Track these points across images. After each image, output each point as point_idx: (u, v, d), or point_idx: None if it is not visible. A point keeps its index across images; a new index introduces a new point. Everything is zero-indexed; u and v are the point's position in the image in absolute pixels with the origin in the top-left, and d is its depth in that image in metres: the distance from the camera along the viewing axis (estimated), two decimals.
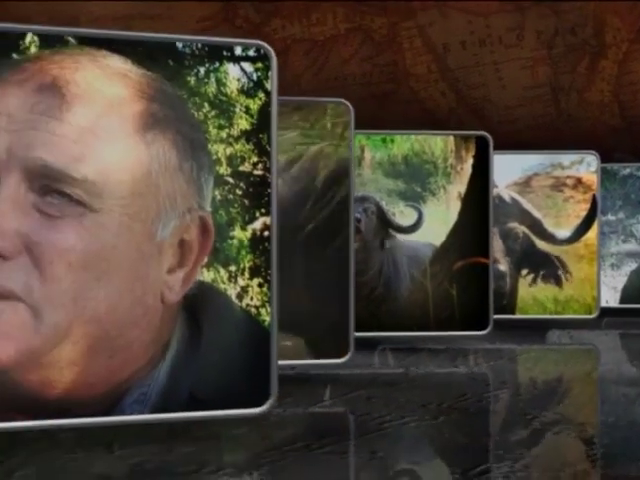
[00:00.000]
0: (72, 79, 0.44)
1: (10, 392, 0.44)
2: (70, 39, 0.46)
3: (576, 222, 0.98)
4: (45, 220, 0.43)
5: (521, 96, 1.41)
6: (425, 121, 1.36)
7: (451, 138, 0.86)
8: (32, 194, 0.43)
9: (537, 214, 0.98)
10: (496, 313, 0.84)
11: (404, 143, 0.87)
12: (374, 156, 0.86)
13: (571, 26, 1.39)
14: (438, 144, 0.86)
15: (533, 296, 0.97)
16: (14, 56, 0.46)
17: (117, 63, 0.46)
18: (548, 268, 0.97)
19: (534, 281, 0.97)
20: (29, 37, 0.46)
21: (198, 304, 0.48)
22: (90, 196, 0.44)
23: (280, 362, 0.50)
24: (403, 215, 0.86)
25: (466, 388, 0.64)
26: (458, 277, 0.84)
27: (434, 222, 0.87)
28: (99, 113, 0.44)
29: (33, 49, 0.46)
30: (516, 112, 1.41)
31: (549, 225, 0.98)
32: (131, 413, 0.47)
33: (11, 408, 0.44)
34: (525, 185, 0.99)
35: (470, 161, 0.86)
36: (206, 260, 0.48)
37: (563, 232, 0.98)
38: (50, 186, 0.43)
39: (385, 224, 0.85)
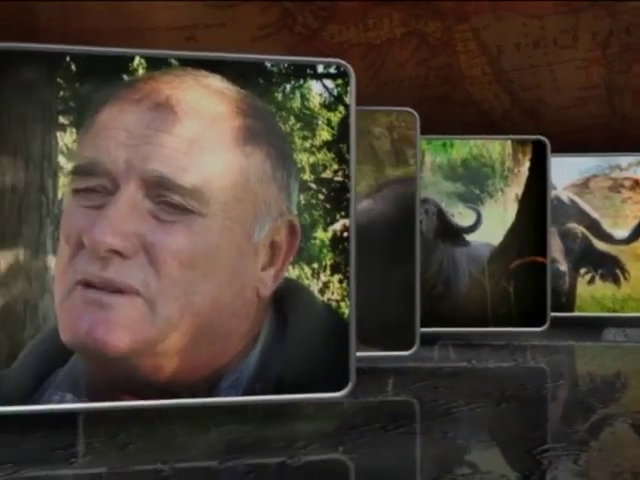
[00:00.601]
0: (182, 97, 0.50)
1: (127, 376, 0.50)
2: (173, 61, 0.53)
3: (634, 223, 1.02)
4: (159, 224, 0.49)
5: (575, 97, 1.44)
6: (480, 123, 1.41)
7: (509, 142, 0.91)
8: (148, 201, 0.49)
9: (595, 215, 1.02)
10: (555, 311, 0.89)
11: (463, 147, 0.92)
12: (434, 160, 0.91)
13: (626, 26, 1.42)
14: (496, 148, 0.91)
15: (591, 294, 1.01)
16: (124, 77, 0.52)
17: (216, 82, 0.52)
18: (606, 267, 1.01)
19: (592, 280, 1.01)
20: (137, 60, 0.52)
21: (285, 298, 0.54)
22: (198, 203, 0.50)
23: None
24: (462, 216, 0.91)
25: (525, 380, 0.69)
26: (516, 275, 0.88)
27: (492, 223, 0.91)
28: (205, 128, 0.50)
29: (141, 70, 0.52)
30: (570, 113, 1.44)
31: (607, 225, 1.02)
32: (226, 396, 0.53)
33: (127, 390, 0.50)
34: (583, 187, 1.03)
35: (527, 164, 0.90)
36: (293, 259, 0.54)
37: (621, 232, 1.01)
38: (164, 194, 0.49)
39: (445, 225, 0.90)
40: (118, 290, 0.49)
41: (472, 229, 0.91)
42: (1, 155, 0.51)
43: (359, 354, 0.68)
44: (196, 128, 0.50)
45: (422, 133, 0.74)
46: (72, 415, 0.55)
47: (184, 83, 0.51)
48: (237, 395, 0.53)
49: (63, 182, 0.51)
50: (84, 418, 0.55)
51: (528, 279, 0.89)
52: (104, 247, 0.49)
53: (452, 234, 0.90)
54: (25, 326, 0.51)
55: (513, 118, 1.42)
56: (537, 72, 1.44)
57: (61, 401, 0.51)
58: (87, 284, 0.49)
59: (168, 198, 0.49)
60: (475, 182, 0.91)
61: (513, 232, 0.90)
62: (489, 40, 1.42)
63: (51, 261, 0.51)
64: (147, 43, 1.31)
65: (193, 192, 0.50)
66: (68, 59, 0.52)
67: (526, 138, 0.91)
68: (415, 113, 0.72)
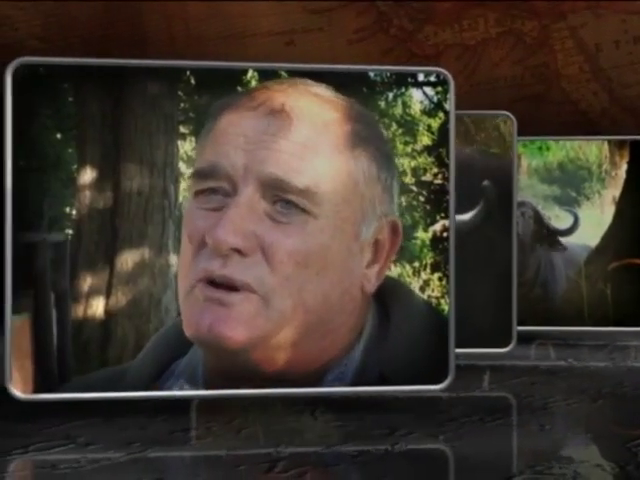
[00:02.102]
0: (295, 105, 0.55)
1: (242, 367, 0.55)
2: (283, 73, 0.57)
3: None
4: (275, 225, 0.54)
5: None
6: (577, 122, 1.41)
7: (605, 144, 0.92)
8: (265, 203, 0.54)
9: None
10: None
11: (559, 150, 0.93)
12: (530, 163, 0.93)
13: None
14: (593, 150, 0.92)
15: None
16: (239, 88, 0.57)
17: (325, 90, 0.56)
18: None
19: None
20: (250, 72, 0.57)
21: (387, 295, 0.57)
22: (312, 204, 0.54)
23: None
24: (559, 219, 0.92)
25: (624, 378, 0.71)
26: (613, 277, 0.90)
27: (589, 225, 0.93)
28: (317, 133, 0.55)
29: (253, 82, 0.57)
30: None
31: None
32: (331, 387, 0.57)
33: (241, 380, 0.55)
34: None
35: (625, 166, 0.91)
36: (395, 257, 0.57)
37: None
38: (280, 196, 0.54)
39: (542, 227, 0.92)
40: (236, 287, 0.53)
41: (569, 232, 0.92)
42: (128, 163, 0.56)
43: (457, 350, 0.71)
44: (309, 133, 0.54)
45: (518, 134, 0.77)
46: (189, 402, 0.60)
47: (296, 91, 0.55)
48: (343, 386, 0.57)
49: (183, 187, 0.56)
50: (201, 405, 0.60)
51: (625, 281, 0.90)
52: (226, 246, 0.53)
53: (549, 237, 0.92)
54: (150, 319, 0.57)
55: (612, 116, 1.41)
56: (637, 69, 1.43)
57: (181, 389, 0.56)
58: (208, 281, 0.54)
59: (284, 200, 0.54)
60: (572, 185, 0.92)
61: (610, 234, 0.91)
62: (587, 38, 1.42)
63: (173, 259, 0.57)
64: (248, 48, 1.36)
65: (307, 194, 0.54)
66: (188, 73, 0.57)
67: (624, 139, 0.92)
68: (512, 117, 0.75)
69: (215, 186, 0.54)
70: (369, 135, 0.56)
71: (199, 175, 0.55)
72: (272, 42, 1.37)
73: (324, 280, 0.54)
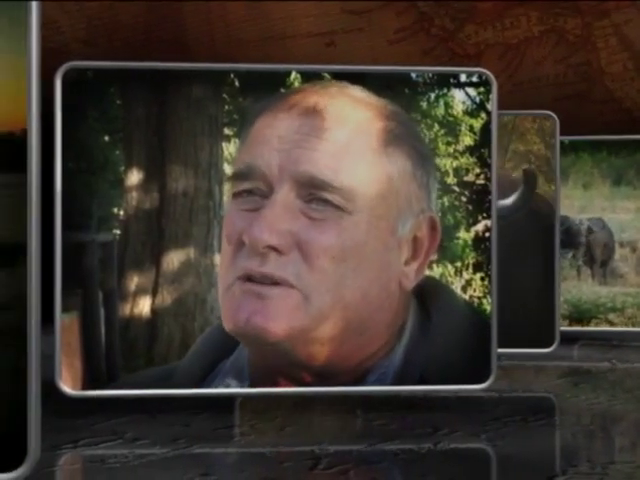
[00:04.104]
0: (328, 104, 0.56)
1: (284, 362, 0.56)
2: (326, 75, 0.58)
3: None
4: (311, 222, 0.55)
5: None
6: (621, 121, 1.39)
7: None
8: (300, 201, 0.55)
9: None
10: None
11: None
12: None
13: None
14: None
15: None
16: (281, 90, 0.58)
17: (357, 92, 0.57)
18: None
19: None
20: (293, 74, 0.58)
21: (428, 294, 0.58)
22: (346, 201, 0.55)
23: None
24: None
25: None
26: None
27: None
28: (350, 131, 0.55)
29: (296, 84, 0.58)
30: None
31: None
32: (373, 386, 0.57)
33: (284, 376, 0.56)
34: None
35: None
36: (435, 255, 0.58)
37: None
38: (314, 194, 0.55)
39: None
40: (275, 283, 0.55)
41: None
42: (174, 164, 0.58)
43: (500, 350, 0.71)
44: (342, 131, 0.55)
45: (561, 132, 0.77)
46: (232, 400, 0.61)
47: (330, 92, 0.56)
48: (385, 386, 0.58)
49: (227, 187, 0.58)
50: (244, 403, 0.61)
51: None
52: (262, 244, 0.54)
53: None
54: (195, 317, 0.58)
55: None
56: None
57: (227, 387, 0.57)
58: (247, 278, 0.55)
59: (318, 197, 0.55)
60: None
61: None
62: (631, 35, 1.41)
63: (217, 259, 0.58)
64: (288, 50, 1.37)
65: (341, 191, 0.55)
66: (232, 76, 0.58)
67: None
68: (555, 116, 0.75)
69: (251, 187, 0.55)
70: (403, 133, 0.57)
71: (236, 177, 0.56)
72: (312, 43, 1.38)
73: (361, 276, 0.55)
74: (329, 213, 0.55)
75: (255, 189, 0.55)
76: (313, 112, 0.56)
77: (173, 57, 1.24)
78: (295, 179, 0.55)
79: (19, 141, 0.39)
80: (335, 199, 0.55)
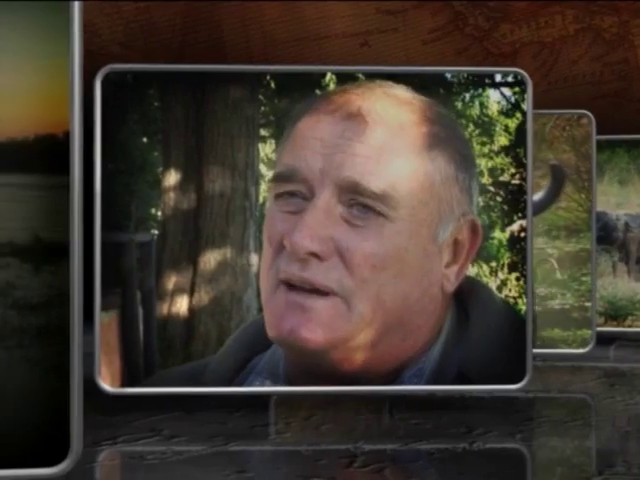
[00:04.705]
0: (372, 108, 0.56)
1: (322, 366, 0.56)
2: (360, 75, 0.58)
3: None
4: (352, 229, 0.55)
5: None
6: None
7: None
8: (341, 207, 0.55)
9: None
10: None
11: None
12: None
13: None
14: None
15: None
16: (317, 91, 0.58)
17: (402, 92, 0.57)
18: None
19: None
20: (328, 76, 0.58)
21: (466, 295, 0.58)
22: (388, 207, 0.55)
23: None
24: None
25: None
26: None
27: None
28: (393, 135, 0.55)
29: (332, 85, 0.58)
30: None
31: None
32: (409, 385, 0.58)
33: (320, 378, 0.56)
34: None
35: None
36: (475, 256, 0.58)
37: None
38: (356, 200, 0.55)
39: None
40: (316, 290, 0.55)
41: None
42: (211, 165, 0.58)
43: (535, 351, 0.71)
44: (385, 136, 0.55)
45: (598, 132, 0.76)
46: (268, 398, 0.61)
47: (373, 94, 0.56)
48: (420, 384, 0.58)
49: (264, 188, 0.58)
50: (280, 401, 0.61)
51: None
52: (303, 250, 0.54)
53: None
54: (231, 316, 0.58)
55: None
56: None
57: (262, 385, 0.57)
58: (289, 284, 0.55)
59: (360, 203, 0.55)
60: None
61: None
62: None
63: (253, 259, 0.58)
64: (323, 50, 1.37)
65: (383, 197, 0.55)
66: (268, 77, 0.58)
67: None
68: (591, 115, 0.74)
69: (293, 189, 0.55)
70: (447, 136, 0.57)
71: (278, 178, 0.56)
72: (346, 43, 1.39)
73: (402, 282, 0.55)
74: (371, 220, 0.55)
75: (297, 191, 0.55)
76: (357, 116, 0.55)
77: (209, 58, 1.25)
78: (337, 184, 0.55)
79: (62, 143, 0.40)
80: (377, 206, 0.55)
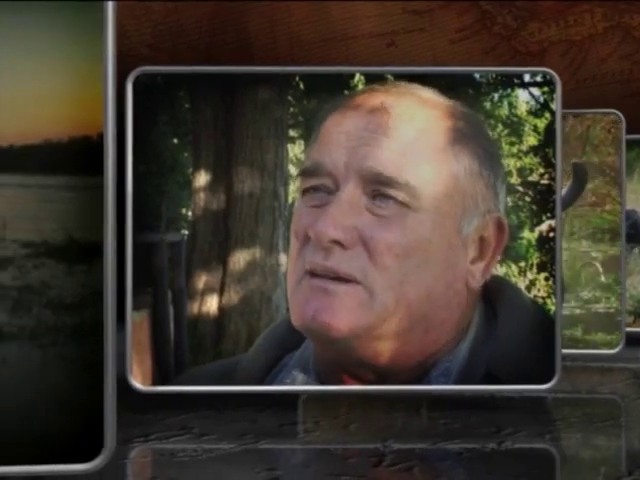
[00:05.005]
0: (395, 103, 0.56)
1: (349, 358, 0.56)
2: (389, 76, 0.59)
3: None
4: (376, 219, 0.55)
5: None
6: None
7: None
8: (365, 198, 0.56)
9: None
10: None
11: None
12: None
13: None
14: None
15: None
16: (345, 92, 0.58)
17: (427, 91, 0.57)
18: None
19: None
20: (357, 76, 0.59)
21: (494, 293, 0.58)
22: (411, 198, 0.55)
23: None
24: None
25: None
26: None
27: None
28: (417, 130, 0.56)
29: (360, 86, 0.59)
30: None
31: None
32: (437, 384, 0.58)
33: (349, 372, 0.57)
34: None
35: None
36: (501, 254, 0.58)
37: None
38: (379, 191, 0.56)
39: None
40: (339, 278, 0.56)
41: None
42: (240, 166, 0.59)
43: (565, 351, 0.71)
44: (408, 130, 0.56)
45: (627, 131, 0.76)
46: (297, 397, 0.62)
47: (397, 91, 0.57)
48: (447, 383, 0.58)
49: (293, 189, 0.59)
50: (309, 400, 0.62)
51: None
52: (327, 238, 0.55)
53: None
54: (260, 315, 0.59)
55: None
56: None
57: (292, 383, 0.58)
58: (313, 273, 0.56)
59: (383, 194, 0.55)
60: None
61: None
62: None
63: (282, 259, 0.59)
64: (350, 51, 1.37)
65: (406, 188, 0.55)
66: (297, 79, 0.59)
67: None
68: (621, 115, 0.74)
69: (318, 184, 0.56)
70: (471, 132, 0.57)
71: (305, 173, 0.57)
72: (373, 43, 1.39)
73: (426, 273, 0.56)
74: (394, 210, 0.55)
75: (322, 186, 0.56)
76: (380, 110, 0.56)
77: (236, 59, 1.26)
78: (361, 175, 0.56)
79: (96, 145, 0.41)
80: (400, 196, 0.55)
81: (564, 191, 0.73)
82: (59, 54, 0.40)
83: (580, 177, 0.74)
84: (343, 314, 0.55)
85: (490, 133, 0.59)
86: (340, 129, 0.56)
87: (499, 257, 0.58)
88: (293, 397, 0.62)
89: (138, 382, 0.58)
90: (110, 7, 0.40)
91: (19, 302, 0.41)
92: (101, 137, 0.41)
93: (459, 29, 1.47)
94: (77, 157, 0.41)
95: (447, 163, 0.56)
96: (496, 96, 0.59)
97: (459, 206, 0.56)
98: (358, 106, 0.57)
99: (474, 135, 0.57)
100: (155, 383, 0.58)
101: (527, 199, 0.59)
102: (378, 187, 0.56)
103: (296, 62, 1.29)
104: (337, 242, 0.55)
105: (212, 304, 0.59)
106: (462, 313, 0.57)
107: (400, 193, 0.55)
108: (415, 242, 0.55)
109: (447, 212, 0.56)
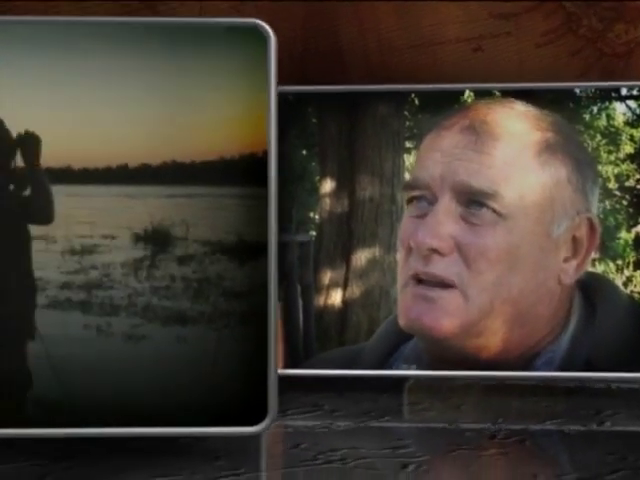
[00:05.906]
0: (484, 120, 0.64)
1: (455, 354, 0.64)
2: (496, 92, 0.66)
3: None
4: (469, 227, 0.63)
5: None
6: None
7: None
8: (460, 208, 0.63)
9: None
10: None
11: None
12: None
13: None
14: None
15: None
16: (455, 107, 0.66)
17: (519, 106, 0.65)
18: None
19: None
20: (467, 92, 0.66)
21: (592, 290, 0.65)
22: (500, 207, 0.63)
23: None
24: None
25: None
26: None
27: None
28: (506, 143, 0.63)
29: (469, 101, 0.66)
30: None
31: None
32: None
33: (455, 362, 0.64)
34: None
35: None
36: (597, 253, 0.65)
37: None
38: (472, 201, 0.63)
39: None
40: (439, 282, 0.63)
41: None
42: (362, 174, 0.67)
43: None
44: (496, 143, 0.63)
45: None
46: (410, 381, 0.70)
47: (490, 108, 0.64)
48: (552, 371, 0.65)
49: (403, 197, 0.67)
50: (423, 384, 0.70)
51: None
52: (425, 247, 0.63)
53: None
54: (380, 308, 0.67)
55: None
56: None
57: (408, 369, 0.66)
58: (416, 279, 0.64)
59: (476, 204, 0.63)
60: None
61: None
62: None
63: (399, 257, 0.67)
64: (436, 57, 1.44)
65: (497, 198, 0.63)
66: (412, 95, 0.67)
67: None
68: None
69: (419, 195, 0.64)
70: (559, 141, 0.64)
71: (407, 187, 0.66)
72: (460, 49, 1.44)
73: (517, 275, 0.63)
74: (486, 219, 0.63)
75: (422, 197, 0.64)
76: (469, 129, 0.64)
77: (329, 67, 1.34)
78: (454, 188, 0.63)
79: (261, 160, 0.49)
80: (491, 205, 0.63)
81: None
82: (231, 85, 0.49)
83: None
84: (442, 317, 0.63)
85: (580, 140, 0.65)
86: (435, 146, 0.64)
87: (593, 254, 0.64)
88: (408, 381, 0.69)
89: None
90: (272, 44, 0.49)
91: (199, 291, 0.50)
92: (265, 153, 0.49)
93: (545, 32, 1.51)
94: (245, 171, 0.49)
95: (534, 173, 0.63)
96: (595, 109, 0.66)
97: (547, 212, 0.63)
98: (451, 125, 0.64)
99: (562, 144, 0.64)
100: (287, 366, 0.67)
101: (624, 202, 0.66)
102: (470, 197, 0.63)
103: (386, 68, 1.36)
104: (435, 250, 0.63)
105: (336, 298, 0.68)
106: (557, 307, 0.64)
107: (490, 202, 0.63)
108: (506, 248, 0.63)
109: (536, 218, 0.63)
